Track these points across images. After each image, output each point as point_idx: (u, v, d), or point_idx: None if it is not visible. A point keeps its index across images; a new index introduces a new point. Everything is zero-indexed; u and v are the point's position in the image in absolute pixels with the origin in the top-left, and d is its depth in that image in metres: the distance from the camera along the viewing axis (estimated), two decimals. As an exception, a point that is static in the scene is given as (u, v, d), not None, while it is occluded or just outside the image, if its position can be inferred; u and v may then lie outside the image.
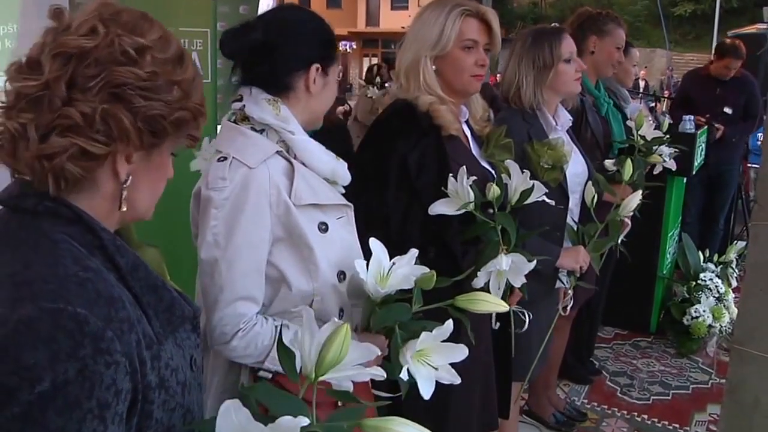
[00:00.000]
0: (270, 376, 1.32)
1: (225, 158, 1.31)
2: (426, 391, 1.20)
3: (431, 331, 1.18)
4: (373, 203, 1.75)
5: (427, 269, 1.32)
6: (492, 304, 1.31)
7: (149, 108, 0.83)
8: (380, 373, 0.96)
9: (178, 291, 0.94)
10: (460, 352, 1.18)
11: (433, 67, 1.81)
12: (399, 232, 1.75)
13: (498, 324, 1.94)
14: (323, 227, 1.35)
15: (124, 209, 0.87)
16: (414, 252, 1.33)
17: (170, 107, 0.85)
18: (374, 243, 1.30)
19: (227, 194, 1.28)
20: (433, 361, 1.21)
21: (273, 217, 1.30)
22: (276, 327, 1.32)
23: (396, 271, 1.30)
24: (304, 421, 0.78)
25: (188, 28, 2.83)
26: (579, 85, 2.33)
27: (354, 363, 0.91)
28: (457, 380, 1.21)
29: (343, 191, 1.48)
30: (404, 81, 1.83)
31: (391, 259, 1.31)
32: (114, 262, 0.84)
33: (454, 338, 1.73)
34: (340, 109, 6.90)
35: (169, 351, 0.87)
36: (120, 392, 0.76)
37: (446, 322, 1.19)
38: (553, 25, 2.71)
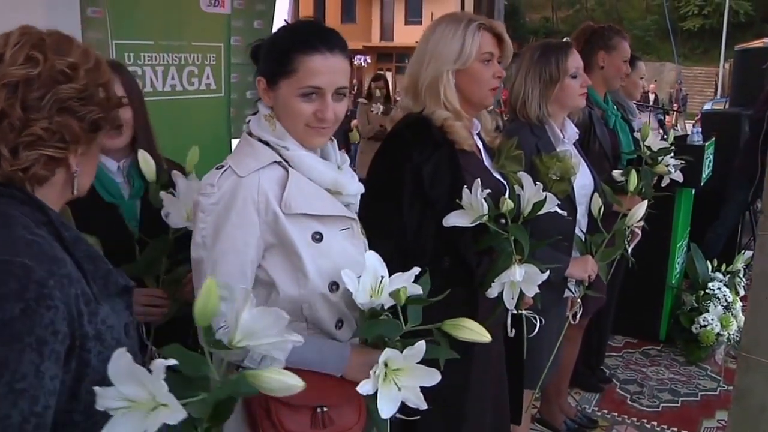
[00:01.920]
0: None
1: (222, 166, 1.37)
2: (387, 411, 1.20)
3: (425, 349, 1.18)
4: (388, 214, 1.78)
5: (419, 288, 1.32)
6: (476, 333, 1.29)
7: (90, 112, 1.01)
8: (298, 339, 1.03)
9: (113, 267, 1.10)
10: (432, 376, 1.20)
11: (453, 81, 1.83)
12: (414, 242, 1.78)
13: (513, 331, 1.96)
14: (317, 237, 1.38)
15: (75, 193, 1.06)
16: (414, 270, 1.33)
17: (102, 107, 1.03)
18: (371, 256, 1.32)
19: (215, 200, 1.33)
20: (403, 381, 1.20)
21: (263, 224, 1.34)
22: None
23: (387, 285, 1.30)
24: (161, 364, 0.86)
25: (202, 43, 2.89)
26: (584, 99, 2.38)
27: (270, 331, 0.98)
28: (423, 406, 1.21)
29: (352, 202, 1.50)
30: (422, 95, 1.85)
31: (406, 269, 1.33)
32: (59, 234, 1.00)
33: (465, 347, 1.79)
34: (354, 124, 6.90)
35: (105, 311, 1.01)
36: (57, 333, 0.91)
37: (418, 343, 1.18)
38: (564, 39, 2.78)
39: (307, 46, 1.35)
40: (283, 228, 1.35)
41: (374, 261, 1.32)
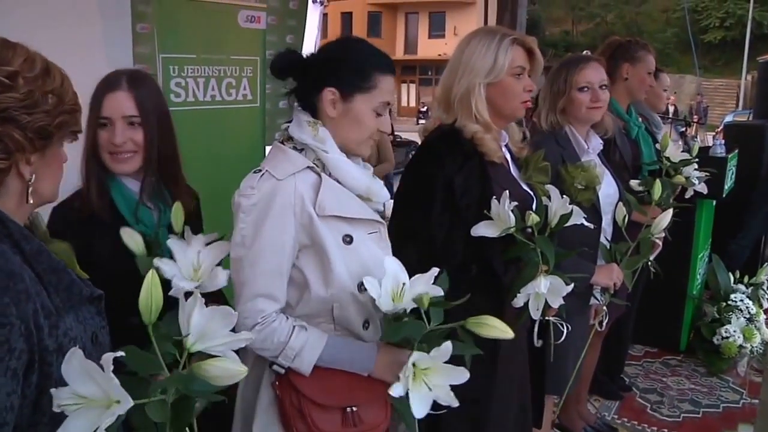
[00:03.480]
0: (283, 371, 1.43)
1: (259, 170, 1.46)
2: (419, 411, 1.24)
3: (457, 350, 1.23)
4: (419, 222, 1.82)
5: (440, 290, 1.37)
6: (498, 330, 1.30)
7: (34, 120, 0.98)
8: (248, 336, 1.08)
9: (80, 278, 1.10)
10: (461, 375, 1.24)
11: (485, 94, 1.87)
12: (442, 250, 1.83)
13: (540, 342, 1.99)
14: (347, 239, 1.45)
15: (31, 201, 1.04)
16: (433, 272, 1.37)
17: (50, 115, 1.00)
18: (391, 262, 1.38)
19: (255, 201, 1.41)
20: (432, 381, 1.23)
21: (298, 225, 1.42)
22: (294, 327, 1.42)
23: (409, 290, 1.36)
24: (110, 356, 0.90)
25: (239, 56, 3.01)
26: (596, 113, 2.40)
27: (221, 330, 1.01)
28: (455, 403, 1.26)
29: (380, 209, 1.58)
30: (454, 107, 1.89)
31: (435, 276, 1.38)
32: (20, 246, 0.99)
33: (491, 351, 1.85)
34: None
35: (68, 323, 1.01)
36: (13, 350, 0.90)
37: (444, 344, 1.22)
38: (584, 53, 2.85)
39: (385, 66, 1.51)
40: (316, 229, 1.42)
41: (395, 266, 1.38)
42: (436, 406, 1.36)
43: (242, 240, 1.42)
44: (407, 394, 1.26)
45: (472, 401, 1.84)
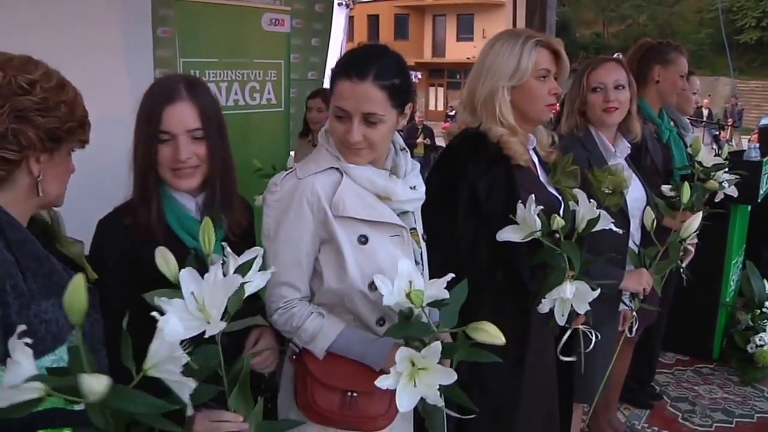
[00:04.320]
0: (297, 350, 1.56)
1: (290, 169, 1.57)
2: (405, 405, 1.25)
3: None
4: (443, 227, 1.81)
5: (447, 293, 1.36)
6: (491, 335, 1.29)
7: (47, 122, 1.14)
8: (191, 384, 1.02)
9: (89, 279, 1.20)
10: (449, 376, 1.25)
11: (509, 97, 1.86)
12: (468, 254, 1.82)
13: (571, 356, 1.97)
14: (362, 239, 1.52)
15: (41, 195, 1.19)
16: (448, 277, 1.36)
17: (61, 120, 1.16)
18: (404, 263, 1.38)
19: (277, 197, 1.53)
20: (423, 380, 1.25)
21: (316, 221, 1.51)
22: (311, 313, 1.53)
23: (424, 291, 1.35)
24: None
25: (264, 60, 3.02)
26: (612, 116, 2.34)
27: (168, 365, 0.99)
28: (441, 403, 1.27)
29: (408, 209, 1.61)
30: (478, 111, 1.88)
31: (459, 281, 1.37)
32: (4, 234, 1.12)
33: (517, 359, 1.82)
34: (420, 141, 6.78)
35: (44, 307, 1.12)
36: None
37: (434, 344, 1.24)
38: (616, 55, 2.79)
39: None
40: (331, 227, 1.50)
41: (408, 268, 1.38)
42: (462, 410, 1.41)
43: (267, 233, 1.53)
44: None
45: (497, 406, 1.84)
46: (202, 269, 1.18)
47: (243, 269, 1.23)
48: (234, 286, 1.14)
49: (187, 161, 1.45)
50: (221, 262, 1.22)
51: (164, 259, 1.22)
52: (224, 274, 1.17)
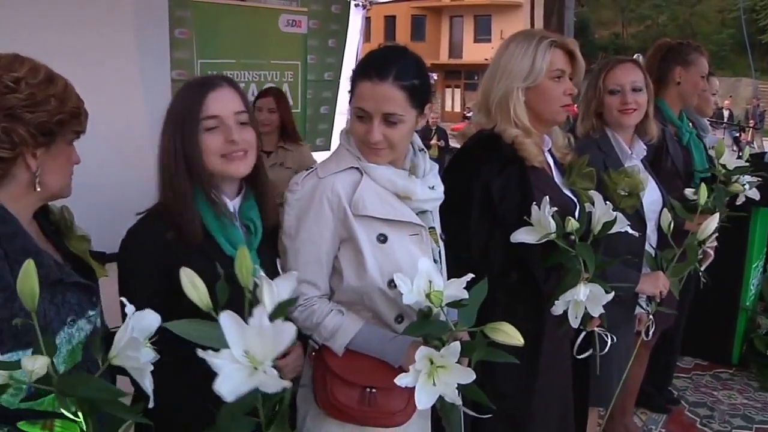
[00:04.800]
0: (317, 347, 1.57)
1: (311, 168, 1.59)
2: (423, 402, 1.23)
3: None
4: (457, 228, 1.80)
5: (465, 293, 1.35)
6: (509, 335, 1.28)
7: (36, 118, 1.16)
8: (152, 355, 1.03)
9: (94, 273, 1.27)
10: (468, 375, 1.24)
11: (523, 98, 1.85)
12: (481, 256, 1.81)
13: (586, 354, 1.95)
14: (381, 238, 1.53)
15: (39, 189, 1.20)
16: (467, 277, 1.36)
17: (51, 114, 1.17)
18: (424, 262, 1.38)
19: (298, 196, 1.54)
20: (442, 379, 1.25)
21: (336, 219, 1.52)
22: (331, 310, 1.54)
23: (444, 291, 1.36)
24: None
25: (280, 61, 3.03)
26: (628, 118, 2.32)
27: (132, 352, 0.99)
28: (459, 402, 1.26)
29: (428, 208, 1.63)
30: (493, 112, 1.87)
31: (474, 283, 1.37)
32: None
33: (530, 361, 1.81)
34: (434, 143, 6.74)
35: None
36: None
37: (453, 344, 1.24)
38: (635, 56, 2.77)
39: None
40: (350, 225, 1.52)
41: (428, 267, 1.39)
42: (478, 409, 1.42)
43: (288, 231, 1.55)
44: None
45: (511, 409, 1.83)
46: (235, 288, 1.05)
47: (280, 310, 1.05)
48: (287, 337, 0.95)
49: (239, 143, 1.42)
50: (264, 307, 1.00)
51: (192, 284, 1.04)
52: (256, 298, 1.04)
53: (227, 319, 0.94)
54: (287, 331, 0.94)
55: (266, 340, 0.94)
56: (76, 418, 0.96)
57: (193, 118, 1.40)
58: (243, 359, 0.93)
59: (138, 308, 1.05)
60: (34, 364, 0.92)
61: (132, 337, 0.99)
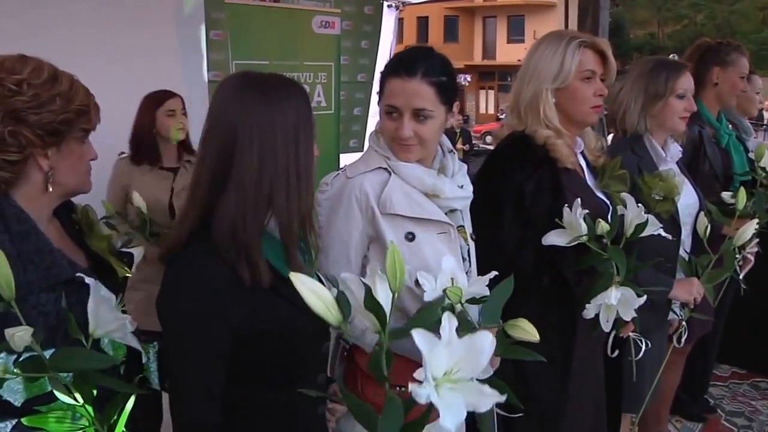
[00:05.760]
0: (348, 346, 1.60)
1: (341, 168, 1.62)
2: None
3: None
4: (488, 230, 1.79)
5: (487, 290, 1.32)
6: (525, 331, 1.25)
7: (41, 119, 1.14)
8: (127, 317, 1.07)
9: (115, 271, 1.29)
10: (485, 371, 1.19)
11: (553, 99, 1.84)
12: (513, 258, 1.80)
13: (616, 352, 1.93)
14: (410, 236, 1.54)
15: (51, 190, 1.19)
16: (491, 275, 1.34)
17: (56, 113, 1.15)
18: (448, 260, 1.36)
19: (327, 196, 1.57)
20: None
21: (364, 219, 1.54)
22: None
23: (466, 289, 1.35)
24: None
25: (314, 62, 3.04)
26: (684, 124, 2.31)
27: (108, 314, 1.03)
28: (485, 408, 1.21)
29: (457, 207, 1.63)
30: (523, 114, 1.87)
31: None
32: (8, 227, 1.14)
33: (563, 361, 1.80)
34: (459, 147, 6.73)
35: (44, 299, 1.13)
36: None
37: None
38: (671, 56, 2.71)
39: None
40: (378, 224, 1.53)
41: (452, 265, 1.38)
42: (510, 409, 1.44)
43: (319, 231, 1.54)
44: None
45: (544, 413, 1.82)
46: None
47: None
48: (487, 345, 0.86)
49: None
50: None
51: (312, 291, 0.95)
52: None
53: (420, 336, 0.84)
54: (487, 339, 0.85)
55: (473, 354, 0.84)
56: (75, 402, 0.99)
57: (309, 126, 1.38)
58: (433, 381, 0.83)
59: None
60: (21, 338, 0.94)
61: (100, 296, 1.04)
